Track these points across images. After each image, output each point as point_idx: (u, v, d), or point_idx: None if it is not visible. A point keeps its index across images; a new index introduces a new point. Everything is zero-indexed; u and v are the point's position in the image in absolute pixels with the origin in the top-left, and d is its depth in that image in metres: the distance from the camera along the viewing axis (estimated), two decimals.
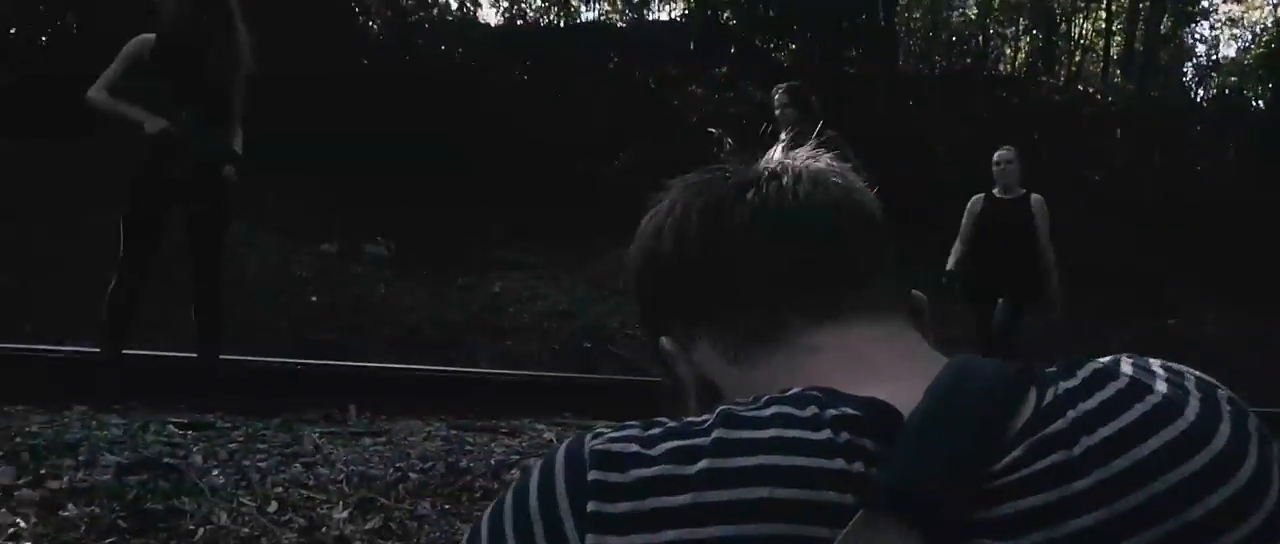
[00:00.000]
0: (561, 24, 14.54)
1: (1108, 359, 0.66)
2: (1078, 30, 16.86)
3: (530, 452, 3.48)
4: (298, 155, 9.32)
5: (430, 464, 3.28)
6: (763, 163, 0.75)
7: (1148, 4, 16.33)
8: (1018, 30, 17.06)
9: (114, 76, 4.02)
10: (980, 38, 16.46)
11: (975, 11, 16.68)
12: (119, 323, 4.06)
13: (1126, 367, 0.64)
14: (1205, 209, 13.35)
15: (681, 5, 15.25)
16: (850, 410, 0.58)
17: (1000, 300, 5.85)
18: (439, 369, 5.59)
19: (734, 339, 0.70)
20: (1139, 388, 0.61)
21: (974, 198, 6.01)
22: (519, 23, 14.27)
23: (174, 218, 4.12)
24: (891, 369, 0.65)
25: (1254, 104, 16.67)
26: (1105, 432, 0.57)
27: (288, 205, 9.23)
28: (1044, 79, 15.66)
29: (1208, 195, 13.84)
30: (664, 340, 0.75)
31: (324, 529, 2.70)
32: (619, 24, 14.70)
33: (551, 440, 3.62)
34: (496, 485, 3.22)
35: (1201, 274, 12.39)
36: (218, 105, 4.10)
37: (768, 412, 0.59)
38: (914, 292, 0.76)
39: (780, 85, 5.70)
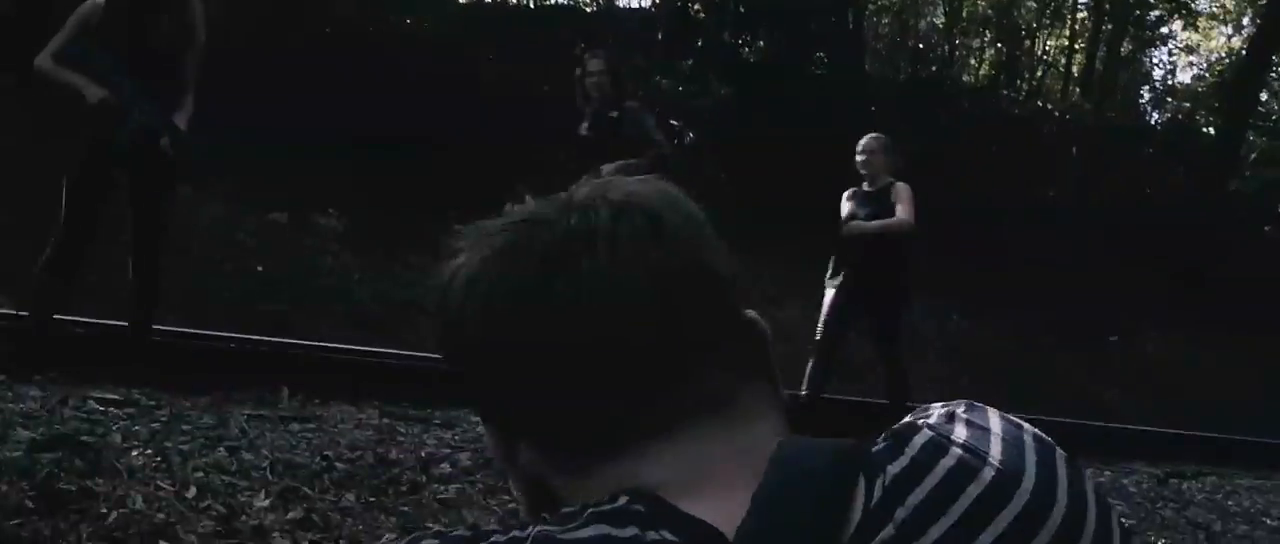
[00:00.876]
0: (531, 4, 14.43)
1: (940, 416, 0.64)
2: (1041, 47, 17.06)
3: (462, 445, 3.45)
4: (253, 121, 9.17)
5: (359, 454, 3.25)
6: (570, 217, 0.63)
7: (1110, 26, 16.56)
8: (983, 42, 17.22)
9: (61, 42, 3.96)
10: (946, 47, 16.59)
11: (942, 21, 16.81)
12: (55, 291, 4.02)
13: (960, 432, 0.62)
14: (1151, 230, 13.59)
15: None
16: (670, 537, 0.55)
17: (876, 319, 5.59)
18: (376, 350, 5.53)
19: (554, 445, 0.64)
20: (971, 463, 0.59)
21: (846, 191, 5.73)
22: (486, 1, 14.14)
23: (117, 186, 4.07)
24: (726, 474, 0.60)
25: (1205, 130, 16.99)
26: (937, 532, 0.55)
27: (239, 171, 9.07)
28: (1006, 93, 15.83)
29: (1155, 217, 14.09)
30: (486, 429, 0.70)
31: (242, 518, 2.66)
32: (588, 8, 14.61)
33: (483, 434, 3.59)
34: (424, 479, 3.19)
35: (1145, 295, 12.62)
36: (168, 74, 4.03)
37: (587, 532, 0.56)
38: (754, 324, 0.67)
39: (597, 52, 5.65)
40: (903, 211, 5.40)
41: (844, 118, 12.65)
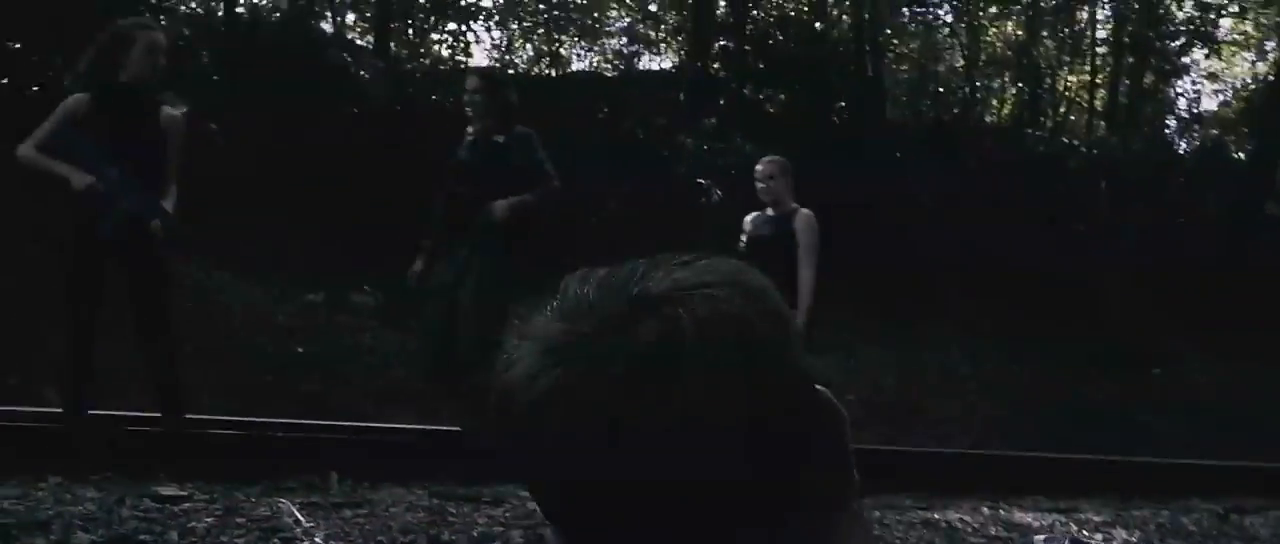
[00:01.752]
0: (552, 73, 14.64)
1: None
2: (1062, 83, 17.05)
3: (513, 523, 3.45)
4: (285, 204, 9.32)
5: (411, 538, 3.25)
6: (648, 326, 0.58)
7: (1131, 60, 16.54)
8: (1004, 82, 17.24)
9: (45, 133, 4.05)
10: (966, 89, 16.63)
11: (961, 63, 16.86)
12: (75, 386, 4.09)
13: None
14: (1186, 260, 13.44)
15: (672, 56, 15.40)
16: None
17: None
18: (421, 427, 5.55)
19: None
20: None
21: (748, 215, 5.50)
22: (510, 73, 14.36)
23: (113, 277, 4.16)
24: None
25: (1235, 155, 16.85)
26: None
27: (273, 254, 9.21)
28: (1030, 131, 15.81)
29: (1189, 246, 13.94)
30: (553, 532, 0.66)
31: None
32: (609, 74, 14.80)
33: (535, 511, 3.58)
34: None
35: (1185, 325, 12.45)
36: (152, 165, 4.11)
37: None
38: (834, 412, 0.63)
39: (475, 70, 5.57)
40: (806, 249, 5.12)
41: (869, 166, 12.68)
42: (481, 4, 14.04)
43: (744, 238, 5.33)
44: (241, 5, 11.68)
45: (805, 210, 5.26)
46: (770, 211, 5.31)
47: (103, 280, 4.11)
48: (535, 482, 0.63)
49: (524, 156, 4.95)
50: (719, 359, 0.57)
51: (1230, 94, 18.50)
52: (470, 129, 5.07)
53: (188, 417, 4.35)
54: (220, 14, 11.31)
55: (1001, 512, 4.57)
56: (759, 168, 5.41)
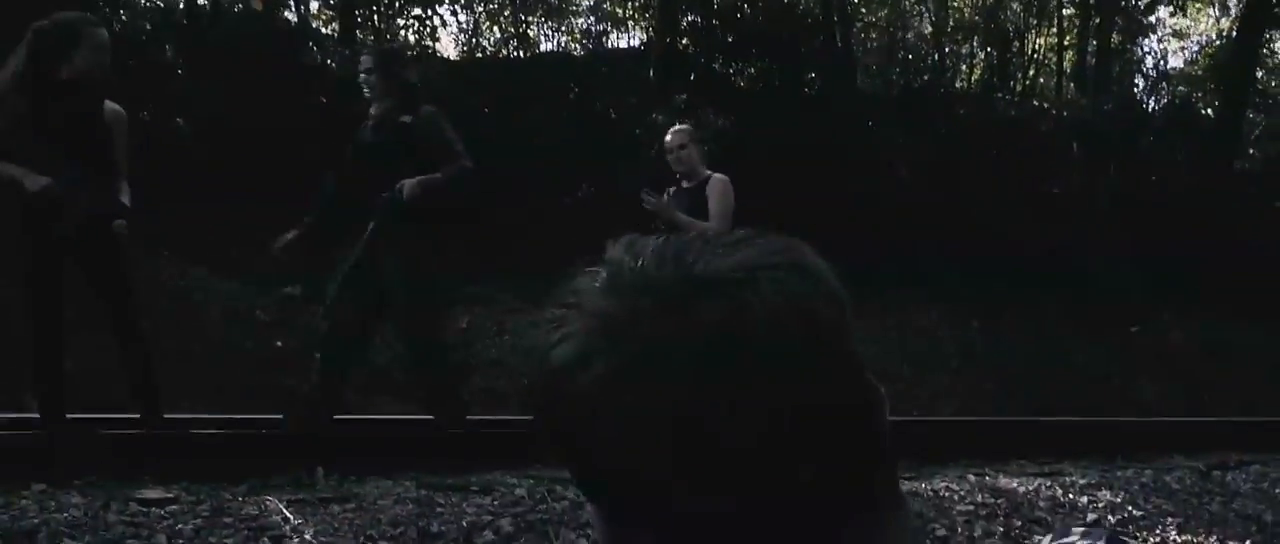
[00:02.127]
0: (521, 55, 14.53)
1: None
2: (1031, 47, 17.11)
3: (501, 511, 3.43)
4: (255, 197, 9.21)
5: (401, 529, 3.23)
6: (712, 307, 0.55)
7: (1098, 20, 16.61)
8: (972, 48, 17.28)
9: None
10: (936, 56, 16.65)
11: (929, 30, 16.88)
12: (49, 390, 4.08)
13: None
14: (1161, 218, 13.57)
15: (640, 33, 15.31)
16: None
17: None
18: (407, 418, 5.52)
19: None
20: None
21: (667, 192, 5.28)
22: (478, 56, 14.24)
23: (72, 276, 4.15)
24: None
25: (1204, 112, 17.00)
26: None
27: (248, 249, 9.11)
28: (1000, 95, 15.86)
29: (1162, 204, 14.07)
30: (593, 509, 0.63)
31: None
32: (578, 54, 14.71)
33: (523, 497, 3.57)
34: None
35: (1161, 283, 12.57)
36: (104, 159, 4.10)
37: None
38: (880, 398, 0.61)
39: (369, 48, 5.32)
40: (716, 215, 4.95)
41: (842, 136, 12.69)
42: None
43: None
44: None
45: (718, 176, 5.13)
46: (685, 183, 5.18)
47: (62, 281, 4.07)
48: (581, 467, 0.60)
49: (431, 137, 4.82)
50: (786, 350, 0.55)
51: (1197, 51, 18.65)
52: (373, 110, 4.92)
53: (168, 416, 4.32)
54: (181, 5, 11.13)
55: (988, 478, 4.60)
56: (668, 139, 5.26)
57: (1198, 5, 17.98)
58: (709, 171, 5.15)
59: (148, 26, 9.93)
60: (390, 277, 4.67)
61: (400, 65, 5.01)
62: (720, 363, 0.54)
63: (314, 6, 13.93)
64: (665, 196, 5.19)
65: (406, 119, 4.79)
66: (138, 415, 4.25)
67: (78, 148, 3.97)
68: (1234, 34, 16.73)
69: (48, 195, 3.86)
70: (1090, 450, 5.94)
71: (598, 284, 0.59)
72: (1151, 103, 17.52)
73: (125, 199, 4.08)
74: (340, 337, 4.85)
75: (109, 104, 4.21)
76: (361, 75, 4.88)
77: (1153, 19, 17.33)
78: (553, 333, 0.59)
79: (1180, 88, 17.86)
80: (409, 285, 4.67)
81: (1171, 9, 17.31)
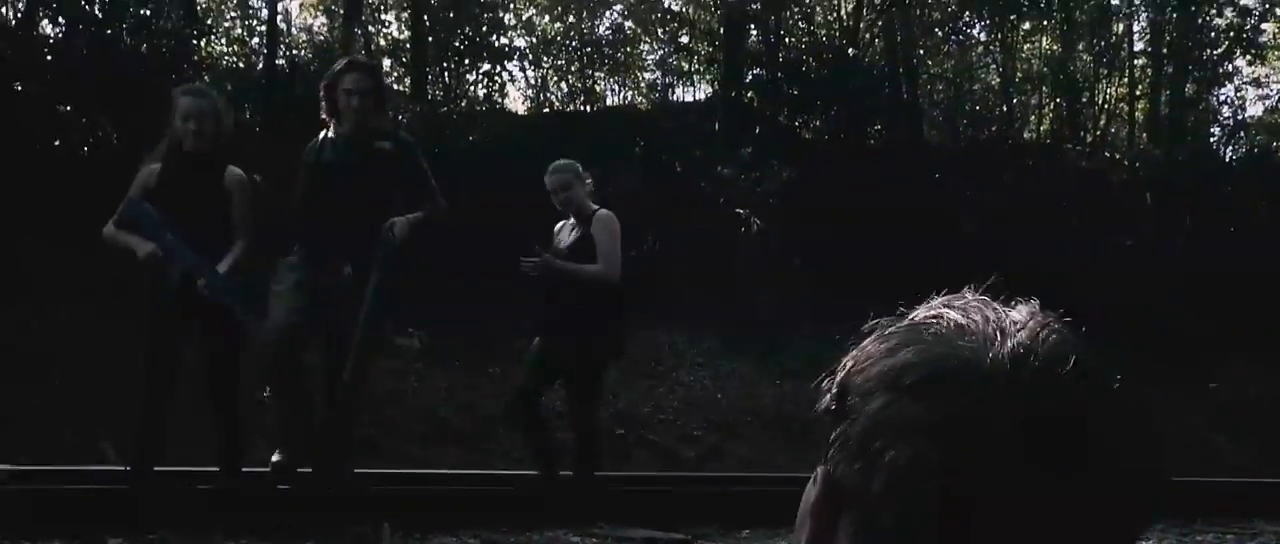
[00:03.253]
0: (588, 109, 14.74)
1: None
2: (1101, 97, 16.87)
3: None
4: None
5: None
6: (1054, 390, 0.58)
7: (1170, 69, 16.34)
8: (1041, 98, 17.09)
9: (122, 208, 4.23)
10: (1003, 106, 16.50)
11: (998, 80, 16.75)
12: (144, 450, 4.23)
13: None
14: (1240, 270, 13.19)
15: (706, 87, 15.45)
16: None
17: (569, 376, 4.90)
18: (469, 473, 5.56)
19: None
20: None
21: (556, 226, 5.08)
22: (545, 110, 14.49)
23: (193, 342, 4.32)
24: None
25: None
26: None
27: None
28: (1070, 146, 15.64)
29: (1242, 256, 13.68)
30: (820, 475, 0.64)
31: None
32: (644, 107, 14.88)
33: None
34: None
35: (1239, 336, 12.19)
36: (216, 223, 4.25)
37: None
38: None
39: (361, 63, 4.78)
40: (603, 254, 4.72)
41: (908, 188, 12.61)
42: (515, 44, 14.22)
43: (554, 248, 4.94)
44: (281, 58, 11.91)
45: (603, 212, 4.91)
46: (572, 220, 4.95)
47: (179, 348, 4.26)
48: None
49: (413, 169, 4.55)
50: (1123, 442, 0.59)
51: (1277, 99, 18.20)
52: (336, 127, 4.47)
53: (244, 470, 4.40)
54: (259, 67, 11.53)
55: None
56: (550, 179, 4.94)
57: (1277, 53, 17.58)
58: (595, 207, 4.92)
59: (228, 88, 10.30)
60: (366, 317, 4.42)
61: (386, 87, 4.72)
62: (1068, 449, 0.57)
63: (387, 64, 14.33)
64: (556, 231, 5.01)
65: (386, 145, 4.47)
66: (216, 469, 4.36)
67: (188, 214, 4.14)
68: None
69: (154, 260, 4.09)
70: (1167, 513, 5.74)
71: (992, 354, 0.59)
72: (1229, 152, 17.12)
73: (225, 264, 4.17)
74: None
75: (232, 169, 4.36)
76: (351, 94, 4.37)
77: (1229, 67, 16.97)
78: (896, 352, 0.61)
79: (1259, 136, 17.43)
80: (375, 326, 4.51)
81: (1248, 58, 16.95)
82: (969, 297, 0.66)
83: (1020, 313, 0.64)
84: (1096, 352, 0.63)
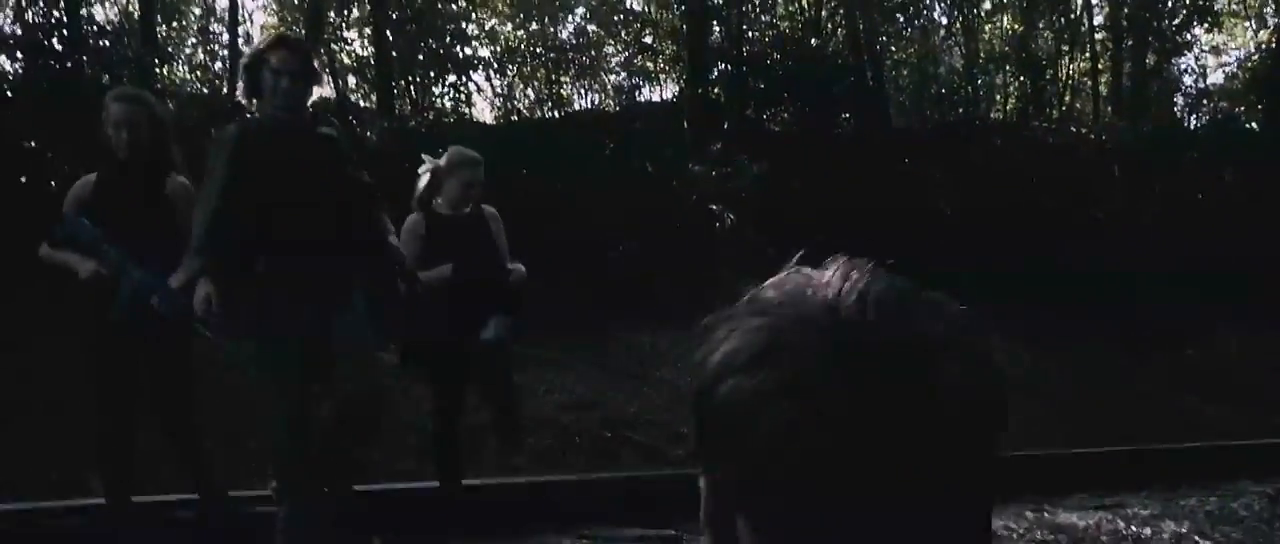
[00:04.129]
0: (556, 114, 14.74)
1: None
2: (1065, 73, 17.02)
3: None
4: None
5: None
6: (891, 335, 0.61)
7: (1130, 42, 16.51)
8: (1005, 77, 17.23)
9: (58, 225, 3.94)
10: (969, 88, 16.62)
11: (961, 62, 16.87)
12: (113, 482, 3.99)
13: None
14: (1210, 234, 13.34)
15: (672, 85, 15.48)
16: None
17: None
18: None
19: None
20: None
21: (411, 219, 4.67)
22: (513, 118, 14.47)
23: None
24: None
25: (1248, 125, 16.76)
26: None
27: None
28: (1036, 123, 15.77)
29: (1209, 220, 13.85)
30: (705, 481, 0.67)
31: None
32: (611, 110, 14.89)
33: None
34: None
35: (1214, 301, 12.33)
36: (160, 236, 3.89)
37: None
38: None
39: (296, 44, 3.92)
40: (504, 248, 4.56)
41: (879, 174, 12.68)
42: (480, 54, 14.20)
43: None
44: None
45: (490, 208, 4.70)
46: (458, 212, 4.61)
47: (135, 370, 3.95)
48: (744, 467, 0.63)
49: (348, 159, 4.00)
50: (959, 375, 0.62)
51: (1235, 65, 18.42)
52: (272, 112, 3.83)
53: (229, 493, 4.34)
54: (224, 92, 11.46)
55: (1046, 514, 4.53)
56: (476, 173, 4.64)
57: (1234, 21, 17.79)
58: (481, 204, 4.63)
59: (193, 114, 10.24)
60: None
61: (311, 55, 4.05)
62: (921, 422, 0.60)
63: (351, 80, 14.29)
64: (434, 228, 4.50)
65: (329, 130, 3.98)
66: (195, 496, 4.28)
67: (136, 227, 3.85)
68: (1275, 45, 16.54)
69: (97, 279, 3.79)
70: (1151, 479, 5.81)
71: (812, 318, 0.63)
72: (1193, 120, 17.31)
73: (177, 278, 3.77)
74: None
75: (175, 177, 4.06)
76: (281, 75, 3.75)
77: (1188, 36, 17.16)
78: (737, 336, 0.64)
79: (1222, 103, 17.63)
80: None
81: (1206, 26, 17.14)
82: (785, 273, 0.69)
83: (829, 269, 0.68)
84: (910, 285, 0.67)
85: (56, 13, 10.34)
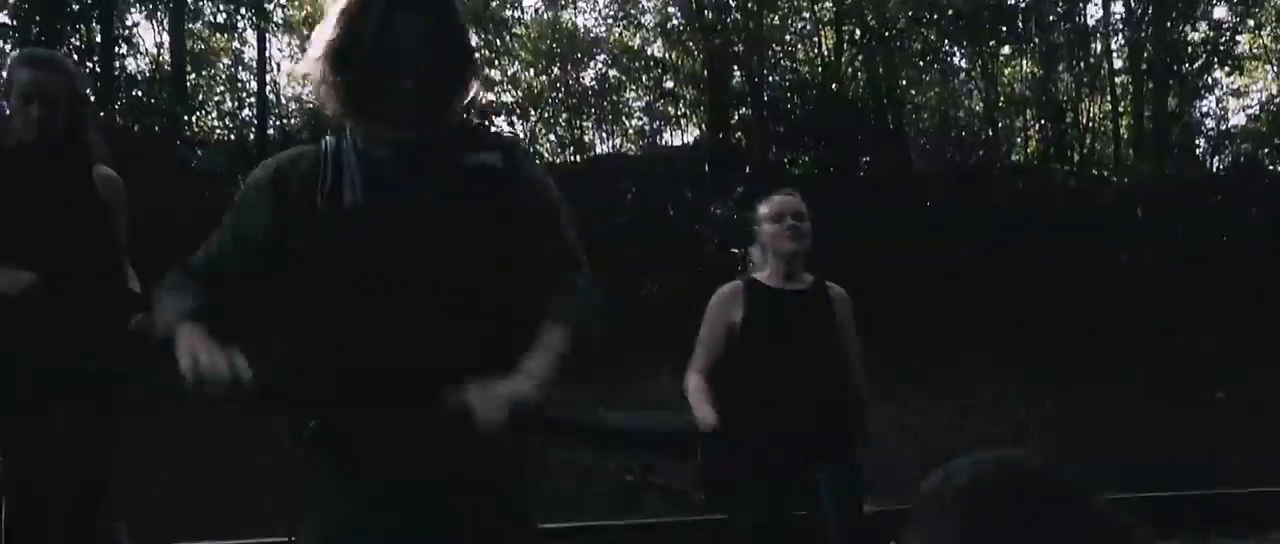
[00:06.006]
0: (578, 158, 14.86)
1: None
2: (1086, 115, 17.02)
3: None
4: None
5: None
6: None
7: (1151, 85, 16.51)
8: (1026, 120, 17.24)
9: None
10: (989, 131, 16.64)
11: (982, 106, 16.91)
12: None
13: None
14: (1237, 278, 13.23)
15: (693, 129, 15.59)
16: None
17: None
18: None
19: None
20: None
21: None
22: (536, 163, 14.60)
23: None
24: None
25: (1271, 167, 16.69)
26: None
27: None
28: (1058, 166, 15.76)
29: (1236, 262, 13.74)
30: None
31: None
32: (633, 154, 15.00)
33: None
34: None
35: (1242, 345, 12.20)
36: (89, 244, 2.93)
37: None
38: None
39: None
40: None
41: (900, 218, 12.68)
42: (502, 99, 14.35)
43: None
44: (272, 128, 12.02)
45: None
46: None
47: (46, 431, 2.88)
48: None
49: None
50: None
51: (1258, 108, 18.37)
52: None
53: None
54: (252, 138, 11.64)
55: None
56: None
57: (1255, 63, 17.78)
58: None
59: (222, 160, 10.40)
60: None
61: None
62: None
63: None
64: None
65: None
66: None
67: (50, 233, 2.83)
68: None
69: (31, 296, 2.74)
70: (1182, 527, 5.73)
71: None
72: (1216, 163, 17.25)
73: (133, 285, 2.96)
74: None
75: (101, 169, 3.03)
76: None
77: (1209, 79, 17.15)
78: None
79: (1245, 145, 17.57)
80: None
81: (1227, 70, 17.13)
82: None
83: None
84: None
85: (90, 64, 10.56)
